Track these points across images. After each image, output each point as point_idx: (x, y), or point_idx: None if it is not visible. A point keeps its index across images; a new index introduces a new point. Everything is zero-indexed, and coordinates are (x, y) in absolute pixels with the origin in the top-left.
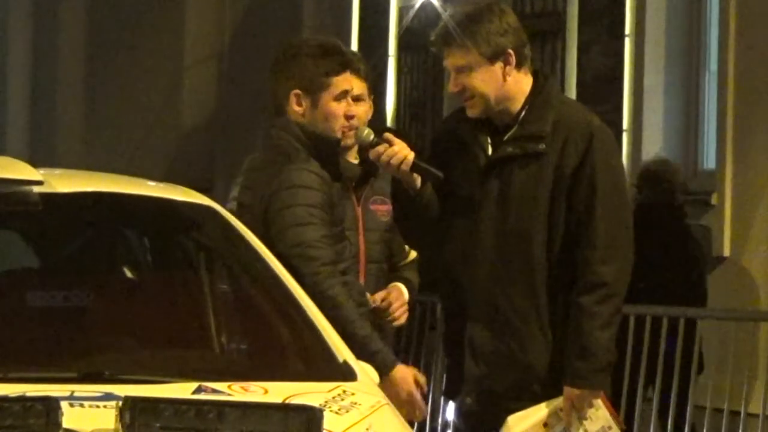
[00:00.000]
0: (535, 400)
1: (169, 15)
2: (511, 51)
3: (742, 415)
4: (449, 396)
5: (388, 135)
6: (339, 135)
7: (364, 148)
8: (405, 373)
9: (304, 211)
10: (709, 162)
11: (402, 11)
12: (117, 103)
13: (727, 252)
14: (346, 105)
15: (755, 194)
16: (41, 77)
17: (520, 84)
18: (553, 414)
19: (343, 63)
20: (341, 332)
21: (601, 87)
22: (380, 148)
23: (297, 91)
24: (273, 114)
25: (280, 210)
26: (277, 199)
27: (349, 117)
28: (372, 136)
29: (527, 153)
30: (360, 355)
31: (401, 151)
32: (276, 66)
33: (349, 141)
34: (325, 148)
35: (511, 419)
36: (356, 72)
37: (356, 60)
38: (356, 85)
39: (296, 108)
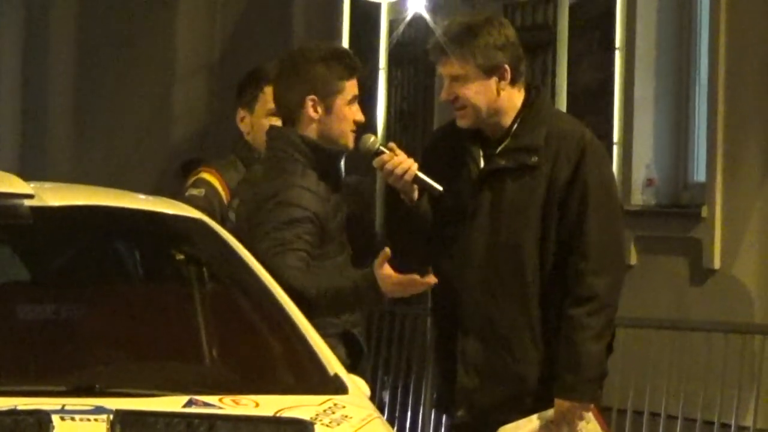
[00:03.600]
0: (527, 413)
1: (159, 28)
2: (507, 66)
3: (732, 428)
4: (440, 408)
5: (392, 145)
6: (351, 141)
7: (368, 156)
8: (381, 274)
9: (287, 215)
10: (699, 174)
11: (392, 24)
12: (107, 116)
13: (717, 265)
14: (355, 110)
15: (746, 207)
16: (32, 90)
17: (513, 99)
18: (544, 426)
19: (353, 68)
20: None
21: (592, 99)
22: (385, 156)
23: (313, 96)
24: (282, 122)
25: (261, 223)
26: (262, 209)
27: (357, 122)
28: (377, 145)
29: (520, 165)
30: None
31: (405, 162)
32: (286, 73)
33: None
34: (326, 159)
35: (502, 431)
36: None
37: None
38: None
39: (312, 114)
